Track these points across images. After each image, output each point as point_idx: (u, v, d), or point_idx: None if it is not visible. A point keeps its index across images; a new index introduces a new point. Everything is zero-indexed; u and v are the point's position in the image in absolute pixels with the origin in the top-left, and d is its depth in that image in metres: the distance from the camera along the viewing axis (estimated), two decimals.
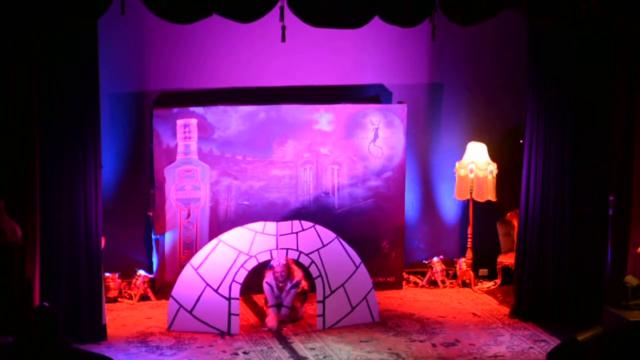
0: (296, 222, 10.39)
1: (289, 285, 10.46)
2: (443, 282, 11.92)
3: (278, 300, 10.45)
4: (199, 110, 11.13)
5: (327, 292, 10.38)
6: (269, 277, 10.50)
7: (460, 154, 11.74)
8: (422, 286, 11.91)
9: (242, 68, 11.28)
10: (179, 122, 11.09)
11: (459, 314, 10.97)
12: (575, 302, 10.64)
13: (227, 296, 10.17)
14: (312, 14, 9.38)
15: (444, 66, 11.80)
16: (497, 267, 11.94)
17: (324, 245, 10.41)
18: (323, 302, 10.38)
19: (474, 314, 10.98)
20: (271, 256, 10.32)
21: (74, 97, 9.53)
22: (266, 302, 10.61)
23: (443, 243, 12.18)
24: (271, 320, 10.37)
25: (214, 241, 10.31)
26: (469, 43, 11.69)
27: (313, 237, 10.38)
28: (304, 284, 10.54)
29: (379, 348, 9.95)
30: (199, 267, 10.20)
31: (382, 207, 11.65)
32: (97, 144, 9.67)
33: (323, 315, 10.40)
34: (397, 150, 11.62)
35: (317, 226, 10.46)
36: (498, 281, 11.94)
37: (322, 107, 11.41)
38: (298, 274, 10.55)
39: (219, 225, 11.18)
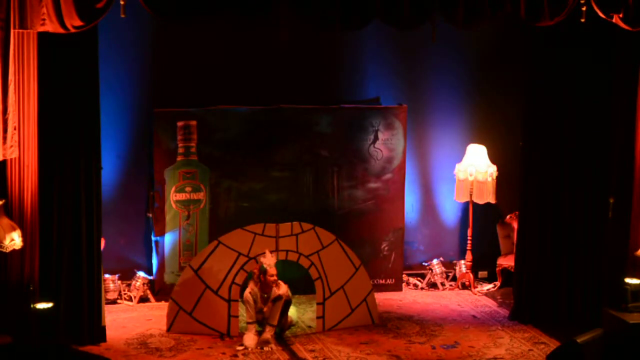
0: (296, 224, 10.39)
1: (273, 296, 10.00)
2: (443, 284, 11.92)
3: (259, 315, 10.03)
4: (199, 111, 11.14)
5: (327, 294, 10.38)
6: (252, 288, 10.02)
7: (460, 156, 11.74)
8: (422, 288, 11.91)
9: (242, 69, 11.28)
10: (179, 123, 11.10)
11: (458, 316, 10.97)
12: (574, 304, 10.64)
13: (227, 298, 10.17)
14: (313, 17, 9.37)
15: (444, 68, 11.81)
16: (497, 269, 11.94)
17: (323, 247, 10.41)
18: (323, 304, 10.38)
19: (474, 316, 10.98)
20: (257, 261, 10.05)
21: (73, 98, 9.53)
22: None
23: (443, 245, 12.19)
24: (250, 338, 9.91)
25: (214, 243, 10.30)
26: (468, 44, 11.70)
27: (313, 238, 10.38)
28: (283, 292, 10.05)
29: (379, 350, 9.95)
30: (198, 268, 10.20)
31: (382, 209, 11.66)
32: (97, 145, 9.67)
33: (323, 317, 10.40)
34: (396, 152, 11.62)
35: (316, 228, 10.45)
36: (498, 283, 11.95)
37: (322, 109, 11.42)
38: (282, 287, 10.10)
39: (218, 226, 11.17)
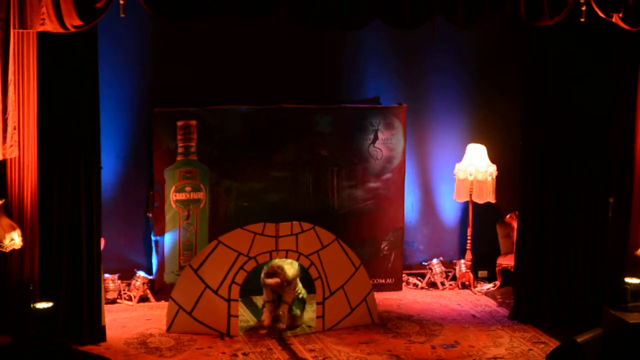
0: (296, 224, 10.39)
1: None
2: (442, 283, 11.93)
3: (274, 296, 10.41)
4: (199, 111, 11.14)
5: (327, 293, 10.38)
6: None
7: (459, 155, 11.74)
8: (422, 288, 11.91)
9: (242, 68, 11.28)
10: (179, 123, 11.10)
11: (458, 316, 10.98)
12: (574, 303, 10.65)
13: (227, 297, 10.17)
14: (312, 16, 9.37)
15: (444, 68, 11.81)
16: (497, 268, 11.94)
17: (323, 247, 10.41)
18: (323, 303, 10.38)
19: (474, 316, 10.99)
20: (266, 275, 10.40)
21: (73, 97, 9.53)
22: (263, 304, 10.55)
23: (442, 245, 12.19)
24: (265, 315, 10.37)
25: (214, 242, 10.30)
26: (468, 44, 11.70)
27: (313, 238, 10.38)
28: (292, 275, 10.44)
29: (379, 350, 9.96)
30: (198, 268, 10.20)
31: (382, 209, 11.66)
32: (97, 145, 9.68)
33: (322, 316, 10.40)
34: (396, 152, 11.62)
35: (316, 227, 10.45)
36: (497, 283, 11.95)
37: (322, 109, 11.42)
38: (291, 271, 10.47)
39: (218, 226, 11.17)
